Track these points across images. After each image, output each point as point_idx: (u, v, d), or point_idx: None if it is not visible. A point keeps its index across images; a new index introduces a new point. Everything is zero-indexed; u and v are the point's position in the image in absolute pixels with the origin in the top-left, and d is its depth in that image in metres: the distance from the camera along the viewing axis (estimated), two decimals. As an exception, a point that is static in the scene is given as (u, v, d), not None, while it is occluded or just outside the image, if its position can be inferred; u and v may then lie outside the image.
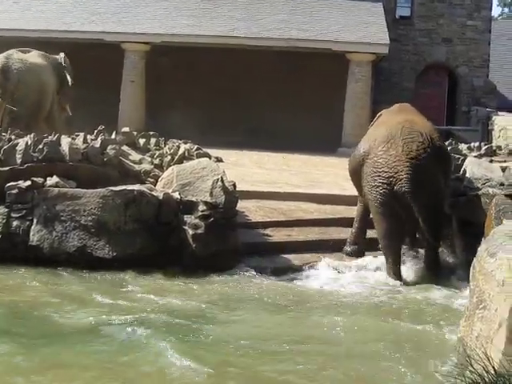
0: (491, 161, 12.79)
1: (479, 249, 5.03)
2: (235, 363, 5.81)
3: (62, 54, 16.22)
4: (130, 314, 7.06)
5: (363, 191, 9.77)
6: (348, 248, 10.28)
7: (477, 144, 15.28)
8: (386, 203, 9.20)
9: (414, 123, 9.68)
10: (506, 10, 57.70)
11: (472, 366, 4.10)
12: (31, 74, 15.04)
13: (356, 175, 9.91)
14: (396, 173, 9.10)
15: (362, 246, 10.27)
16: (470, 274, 5.03)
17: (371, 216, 9.84)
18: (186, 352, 5.91)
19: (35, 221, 9.26)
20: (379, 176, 9.27)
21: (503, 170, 10.84)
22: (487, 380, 3.86)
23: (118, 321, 6.79)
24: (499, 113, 23.70)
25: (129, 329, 6.53)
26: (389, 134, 9.46)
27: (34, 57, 15.63)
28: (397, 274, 9.26)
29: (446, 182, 9.66)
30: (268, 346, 6.31)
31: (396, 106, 10.66)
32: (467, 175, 10.41)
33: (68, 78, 16.31)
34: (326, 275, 9.41)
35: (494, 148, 14.77)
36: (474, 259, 5.03)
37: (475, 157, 12.93)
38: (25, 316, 6.92)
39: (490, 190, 9.59)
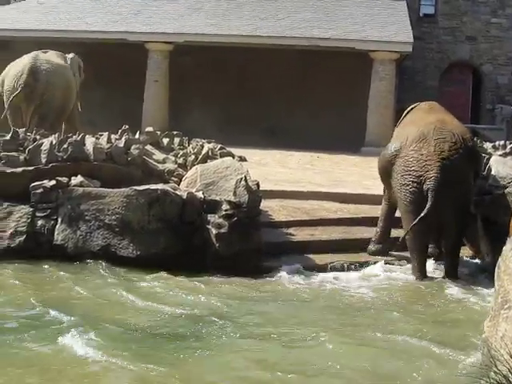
0: (517, 159, 12.69)
1: (504, 248, 4.99)
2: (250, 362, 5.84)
3: (72, 54, 16.21)
4: (149, 313, 7.10)
5: (392, 190, 9.75)
6: (372, 247, 10.27)
7: (502, 142, 15.12)
8: (415, 202, 9.18)
9: (446, 123, 9.67)
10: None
11: (496, 366, 4.07)
12: (58, 75, 15.13)
13: (386, 173, 9.89)
14: (426, 172, 9.09)
15: (387, 246, 10.26)
16: (495, 273, 5.00)
17: (397, 215, 9.82)
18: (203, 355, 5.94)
19: (60, 220, 9.32)
20: (410, 175, 9.26)
21: (528, 168, 10.76)
22: (512, 381, 3.84)
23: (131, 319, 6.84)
24: (524, 111, 23.55)
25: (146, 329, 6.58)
26: (421, 134, 9.44)
27: (56, 57, 15.69)
28: (422, 273, 9.25)
29: (475, 183, 9.64)
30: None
31: (425, 105, 10.60)
32: (492, 174, 10.34)
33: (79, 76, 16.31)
34: (349, 275, 9.42)
35: (519, 146, 14.63)
36: (499, 259, 4.99)
37: (500, 155, 12.82)
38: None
39: (515, 189, 9.53)
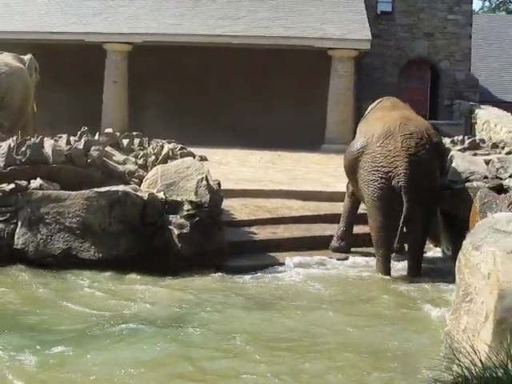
0: (475, 154, 12.82)
1: (464, 242, 5.04)
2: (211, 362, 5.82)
3: (29, 55, 15.87)
4: (109, 315, 7.04)
5: (357, 186, 9.79)
6: (335, 243, 10.32)
7: (460, 138, 15.31)
8: (383, 197, 9.25)
9: (411, 119, 9.79)
10: (487, 3, 57.88)
11: (459, 359, 4.10)
12: (17, 78, 14.86)
13: (351, 170, 9.93)
14: (395, 168, 9.17)
15: (350, 242, 10.31)
16: (456, 267, 5.04)
17: (362, 211, 9.87)
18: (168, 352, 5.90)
19: (20, 224, 9.21)
20: (377, 171, 9.32)
21: (487, 163, 10.87)
22: (474, 373, 3.86)
23: (96, 321, 6.76)
24: (482, 106, 23.79)
25: (110, 329, 6.52)
26: (387, 130, 9.53)
27: (12, 59, 15.41)
28: (386, 268, 9.31)
29: (441, 178, 9.74)
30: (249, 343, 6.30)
31: (387, 101, 10.68)
32: (451, 169, 10.43)
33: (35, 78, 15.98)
34: (309, 271, 9.44)
35: (478, 141, 14.80)
36: (460, 253, 5.04)
37: (459, 150, 12.95)
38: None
39: (475, 184, 9.62)
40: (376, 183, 9.32)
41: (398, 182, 9.07)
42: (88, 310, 7.19)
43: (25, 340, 6.14)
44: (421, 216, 9.21)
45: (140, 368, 5.56)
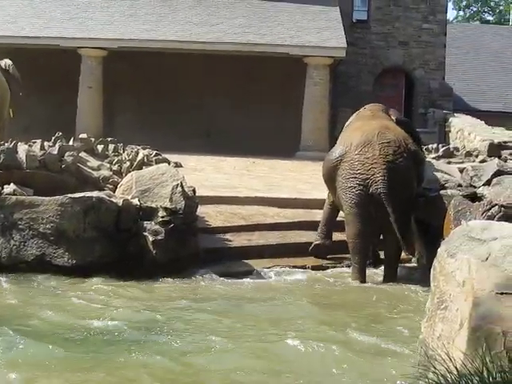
0: (449, 162, 12.91)
1: (439, 250, 5.04)
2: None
3: (8, 61, 15.61)
4: (82, 321, 6.98)
5: (336, 194, 9.83)
6: (314, 249, 10.34)
7: (434, 146, 15.42)
8: (360, 204, 9.30)
9: (389, 128, 9.87)
10: (461, 13, 58.43)
11: (434, 366, 4.11)
12: None
13: (330, 178, 9.98)
14: (373, 175, 9.23)
15: (328, 249, 10.35)
16: (431, 274, 5.05)
17: (341, 217, 9.91)
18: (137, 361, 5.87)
19: (-8, 229, 9.12)
20: (355, 178, 9.38)
21: (461, 171, 10.94)
22: (450, 381, 3.87)
23: (69, 329, 6.70)
24: (456, 114, 23.95)
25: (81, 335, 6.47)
26: (365, 138, 9.61)
27: None
28: (362, 275, 9.33)
29: (418, 186, 9.78)
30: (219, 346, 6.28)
31: (367, 111, 10.76)
32: (426, 177, 10.48)
33: (16, 86, 15.72)
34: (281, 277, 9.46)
35: (452, 149, 14.90)
36: (435, 260, 5.04)
37: (433, 158, 13.03)
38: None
39: (449, 192, 9.68)
40: (354, 190, 9.37)
41: (377, 188, 9.14)
42: (63, 318, 7.11)
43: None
44: (397, 224, 9.25)
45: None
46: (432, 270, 5.06)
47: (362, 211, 9.28)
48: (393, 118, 10.61)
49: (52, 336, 6.44)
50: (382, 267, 9.75)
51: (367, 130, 9.80)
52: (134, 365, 5.74)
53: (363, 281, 9.31)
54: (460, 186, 9.84)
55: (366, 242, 9.34)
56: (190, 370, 5.71)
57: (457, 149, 15.70)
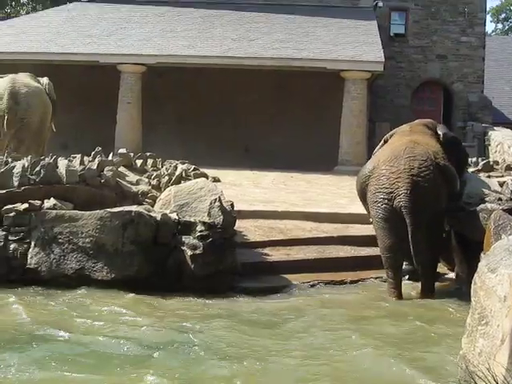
0: (489, 176, 12.78)
1: (479, 264, 5.00)
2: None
3: (46, 80, 15.85)
4: (124, 335, 7.00)
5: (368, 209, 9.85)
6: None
7: (474, 159, 15.28)
8: (387, 219, 9.29)
9: (419, 143, 9.81)
10: (500, 25, 58.06)
11: (476, 382, 4.07)
12: (36, 98, 14.95)
13: (362, 195, 10.02)
14: (397, 188, 9.20)
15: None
16: (471, 289, 5.00)
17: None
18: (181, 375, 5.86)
19: (33, 243, 9.21)
20: (380, 192, 9.38)
21: (501, 185, 10.83)
22: (491, 396, 3.84)
23: (109, 341, 6.73)
24: (495, 128, 23.76)
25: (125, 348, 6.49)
26: (393, 154, 9.62)
27: (30, 79, 15.52)
28: (398, 290, 9.26)
29: (449, 201, 9.70)
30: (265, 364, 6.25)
31: (407, 127, 10.76)
32: (465, 191, 10.39)
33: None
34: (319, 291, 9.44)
35: (492, 163, 14.76)
36: (475, 275, 5.00)
37: (473, 172, 12.92)
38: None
39: (489, 206, 9.57)
40: (379, 204, 9.38)
41: (399, 202, 9.11)
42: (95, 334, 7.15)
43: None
44: (425, 237, 9.19)
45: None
46: (472, 284, 5.02)
47: (390, 225, 9.26)
48: (439, 132, 10.55)
49: (75, 351, 6.48)
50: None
51: (397, 146, 9.83)
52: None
53: (399, 295, 9.24)
54: (500, 199, 9.73)
55: (397, 255, 9.28)
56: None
57: (496, 162, 15.56)
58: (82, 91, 24.61)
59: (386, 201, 9.29)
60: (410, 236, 8.92)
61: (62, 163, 10.41)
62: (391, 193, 9.26)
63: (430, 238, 9.31)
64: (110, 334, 7.00)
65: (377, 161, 9.82)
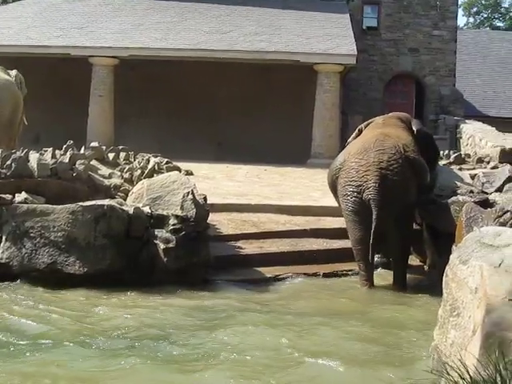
0: (460, 169, 12.88)
1: (451, 256, 5.03)
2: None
3: (14, 72, 15.64)
4: (97, 330, 6.96)
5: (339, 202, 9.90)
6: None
7: (445, 152, 15.38)
8: (356, 211, 9.35)
9: (390, 136, 9.83)
10: (472, 19, 58.41)
11: (447, 373, 4.10)
12: (6, 91, 14.75)
13: (333, 187, 10.05)
14: (365, 181, 9.24)
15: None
16: (443, 281, 5.03)
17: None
18: (159, 368, 5.84)
19: (4, 238, 9.12)
20: (350, 185, 9.44)
21: (472, 177, 10.92)
22: (463, 387, 3.86)
23: (86, 337, 6.68)
24: (466, 121, 23.91)
25: (97, 344, 6.44)
26: (363, 147, 9.66)
27: (0, 72, 15.32)
28: (369, 281, 9.32)
29: (419, 195, 9.73)
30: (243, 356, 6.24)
31: (380, 119, 10.82)
32: (437, 183, 10.46)
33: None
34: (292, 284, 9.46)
35: (463, 156, 14.87)
36: (447, 267, 5.03)
37: (444, 165, 13.00)
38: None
39: (461, 198, 9.64)
40: (349, 197, 9.45)
41: (368, 195, 9.15)
42: (76, 325, 7.11)
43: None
44: (397, 229, 9.28)
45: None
46: (444, 276, 5.05)
47: (360, 218, 9.31)
48: (414, 128, 10.58)
49: (48, 343, 6.44)
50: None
51: (367, 138, 9.88)
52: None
53: (371, 287, 9.29)
54: (472, 192, 9.80)
55: (367, 248, 9.33)
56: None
57: (468, 155, 15.68)
58: (53, 84, 24.44)
59: (356, 194, 9.33)
60: (373, 228, 8.94)
61: (34, 157, 10.33)
62: (360, 186, 9.29)
63: (401, 231, 9.39)
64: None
65: (347, 153, 9.86)
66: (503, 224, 8.08)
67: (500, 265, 4.57)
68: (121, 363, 5.88)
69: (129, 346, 6.41)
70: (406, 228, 9.60)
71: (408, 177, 9.46)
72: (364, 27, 27.89)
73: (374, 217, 8.98)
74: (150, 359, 6.00)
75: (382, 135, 9.83)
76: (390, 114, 11.24)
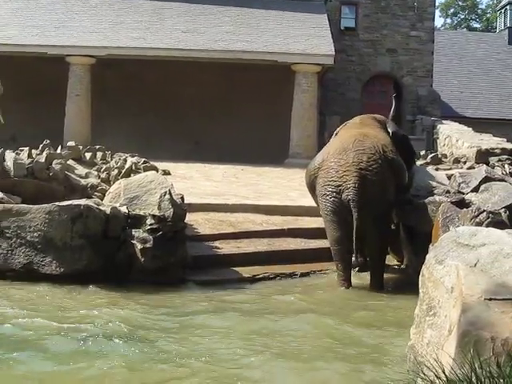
0: (437, 169, 12.95)
1: (427, 256, 5.05)
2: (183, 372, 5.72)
3: None
4: (76, 328, 6.91)
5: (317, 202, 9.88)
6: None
7: (422, 152, 15.46)
8: (335, 212, 9.33)
9: (368, 136, 9.84)
10: (449, 20, 58.73)
11: (423, 372, 4.10)
12: None
13: (311, 187, 10.03)
14: (345, 182, 9.24)
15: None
16: (419, 281, 5.05)
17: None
18: (135, 367, 5.81)
19: (-21, 238, 9.06)
20: (329, 185, 9.42)
21: (449, 177, 10.96)
22: (439, 386, 3.87)
23: (65, 335, 6.63)
24: (443, 121, 24.04)
25: (77, 341, 6.40)
26: (342, 147, 9.65)
27: None
28: (347, 281, 9.33)
29: (398, 195, 9.76)
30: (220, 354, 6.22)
31: (357, 119, 10.85)
32: (414, 184, 10.49)
33: None
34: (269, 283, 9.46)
35: (440, 156, 14.95)
36: (423, 266, 5.05)
37: (421, 165, 13.06)
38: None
39: (437, 198, 9.68)
40: (328, 197, 9.43)
41: (347, 195, 9.15)
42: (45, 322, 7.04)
43: None
44: (375, 230, 9.28)
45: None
46: (420, 276, 5.07)
47: (338, 218, 9.31)
48: (389, 130, 10.61)
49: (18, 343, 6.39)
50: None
51: (346, 138, 9.87)
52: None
53: (349, 286, 9.31)
54: (448, 192, 9.84)
55: (345, 248, 9.33)
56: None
57: (445, 155, 15.77)
58: (30, 83, 24.28)
59: (335, 194, 9.33)
60: (354, 229, 8.95)
61: (10, 156, 10.26)
62: (339, 186, 9.29)
63: (379, 231, 9.40)
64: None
65: (326, 153, 9.86)
66: (479, 224, 8.13)
67: (476, 264, 4.59)
68: (89, 364, 5.83)
69: (98, 346, 6.35)
70: (384, 228, 9.62)
71: (387, 177, 9.48)
72: (342, 28, 27.97)
73: (354, 217, 8.99)
74: (120, 361, 5.96)
75: (360, 135, 9.85)
76: (366, 115, 11.28)
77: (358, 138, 9.74)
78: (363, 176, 9.23)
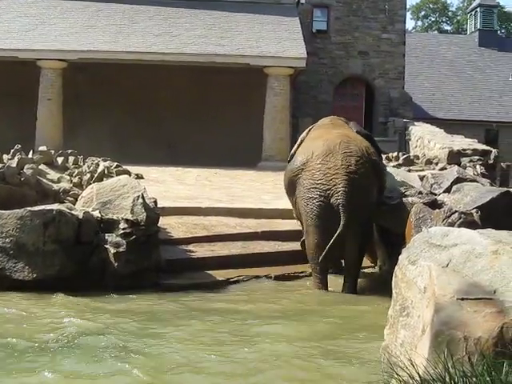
0: (409, 170, 13.01)
1: (400, 257, 5.07)
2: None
3: None
4: (50, 334, 6.85)
5: (296, 204, 9.77)
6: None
7: (395, 154, 15.54)
8: (321, 216, 9.19)
9: (351, 138, 9.79)
10: (420, 23, 59.10)
11: (397, 373, 4.12)
12: None
13: (291, 188, 9.91)
14: (334, 185, 9.13)
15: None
16: (393, 281, 5.07)
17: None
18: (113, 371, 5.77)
19: (-50, 244, 8.96)
20: (316, 188, 9.27)
21: (421, 178, 11.02)
22: (412, 387, 3.88)
23: (37, 343, 6.57)
24: (415, 123, 24.19)
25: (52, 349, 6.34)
26: (327, 148, 9.51)
27: None
28: (323, 285, 9.30)
29: (379, 195, 9.76)
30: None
31: (327, 120, 10.82)
32: (386, 185, 10.53)
33: None
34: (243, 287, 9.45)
35: (412, 157, 15.03)
36: (396, 267, 5.06)
37: (394, 167, 13.12)
38: None
39: (410, 199, 9.73)
40: (315, 201, 9.26)
41: (337, 199, 9.04)
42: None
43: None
44: (357, 234, 9.20)
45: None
46: (393, 277, 5.08)
47: (323, 222, 9.16)
48: (353, 129, 10.57)
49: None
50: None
51: (329, 139, 9.70)
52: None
53: (325, 289, 9.29)
54: (420, 193, 9.89)
55: (325, 251, 9.26)
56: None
57: (417, 157, 15.85)
58: (1, 87, 24.09)
59: (323, 198, 9.17)
60: (338, 231, 8.79)
61: (-20, 161, 10.18)
62: (328, 190, 9.15)
63: (361, 236, 9.29)
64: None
65: (310, 153, 9.65)
66: (451, 224, 8.18)
67: (448, 265, 4.62)
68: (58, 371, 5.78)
69: (67, 351, 6.30)
70: (366, 232, 9.51)
71: (372, 180, 9.47)
72: (314, 30, 28.05)
73: (342, 221, 8.82)
74: (91, 366, 5.91)
75: (344, 137, 9.74)
76: (332, 116, 11.28)
77: (342, 139, 9.63)
78: (352, 180, 9.14)
